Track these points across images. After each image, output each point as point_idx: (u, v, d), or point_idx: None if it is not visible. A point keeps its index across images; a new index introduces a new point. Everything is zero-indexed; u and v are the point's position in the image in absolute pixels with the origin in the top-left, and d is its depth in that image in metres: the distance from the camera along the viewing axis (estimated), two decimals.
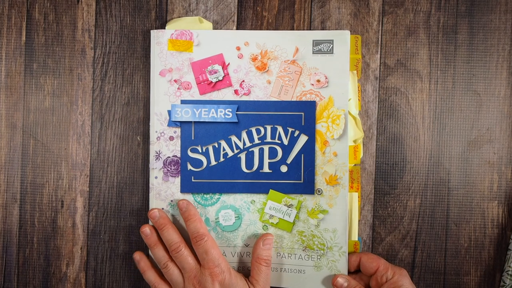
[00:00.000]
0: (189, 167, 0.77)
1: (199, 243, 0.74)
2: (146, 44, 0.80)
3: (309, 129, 0.77)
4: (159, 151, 0.77)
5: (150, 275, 0.77)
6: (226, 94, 0.77)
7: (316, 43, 0.77)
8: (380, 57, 0.80)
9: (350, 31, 0.79)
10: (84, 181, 0.81)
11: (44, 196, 0.81)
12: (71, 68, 0.80)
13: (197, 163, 0.77)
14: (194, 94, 0.77)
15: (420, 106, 0.80)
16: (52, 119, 0.80)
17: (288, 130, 0.77)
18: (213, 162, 0.77)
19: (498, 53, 0.79)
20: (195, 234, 0.74)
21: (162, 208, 0.78)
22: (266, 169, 0.77)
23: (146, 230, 0.76)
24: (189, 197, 0.78)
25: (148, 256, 0.79)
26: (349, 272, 0.78)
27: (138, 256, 0.78)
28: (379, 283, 0.75)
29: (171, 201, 0.78)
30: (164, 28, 0.79)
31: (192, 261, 0.75)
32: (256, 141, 0.77)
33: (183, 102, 0.77)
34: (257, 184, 0.77)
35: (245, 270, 0.79)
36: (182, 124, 0.77)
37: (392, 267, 0.75)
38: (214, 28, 0.79)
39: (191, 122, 0.77)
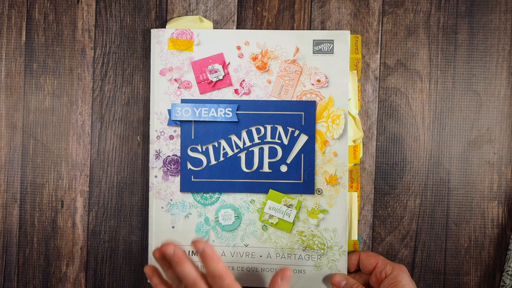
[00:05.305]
0: (189, 166, 0.77)
1: (218, 284, 0.68)
2: (146, 44, 0.80)
3: (309, 128, 0.77)
4: (159, 150, 0.77)
5: None
6: (226, 93, 0.77)
7: (316, 43, 0.77)
8: (380, 57, 0.80)
9: (350, 31, 0.79)
10: (84, 181, 0.81)
11: (44, 196, 0.81)
12: (71, 68, 0.80)
13: (197, 162, 0.77)
14: (194, 93, 0.77)
15: (420, 106, 0.80)
16: (52, 119, 0.80)
17: (288, 129, 0.77)
18: (213, 162, 0.77)
19: (498, 53, 0.79)
20: (214, 273, 0.68)
21: (162, 207, 0.78)
22: (266, 168, 0.77)
23: (148, 272, 0.72)
24: (188, 196, 0.78)
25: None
26: (349, 272, 0.78)
27: (149, 271, 0.73)
28: (378, 279, 0.74)
29: (171, 200, 0.78)
30: (164, 28, 0.79)
31: None
32: (256, 140, 0.77)
33: (183, 101, 0.77)
34: (256, 183, 0.77)
35: (244, 271, 0.78)
36: (182, 123, 0.77)
37: (390, 263, 0.75)
38: (214, 28, 0.79)
39: (191, 121, 0.77)
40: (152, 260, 0.78)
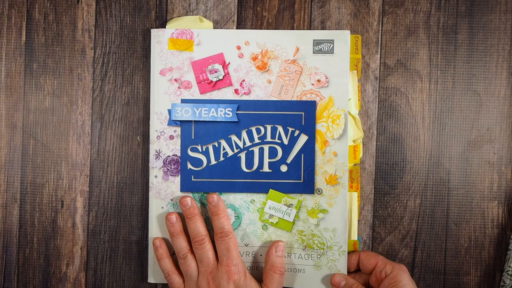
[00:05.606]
0: (189, 166, 0.77)
1: (223, 239, 0.74)
2: (146, 44, 0.80)
3: (309, 128, 0.77)
4: (159, 150, 0.77)
5: (166, 263, 0.77)
6: (226, 93, 0.77)
7: (316, 42, 0.77)
8: (380, 57, 0.80)
9: (350, 31, 0.79)
10: (84, 181, 0.81)
11: (44, 196, 0.81)
12: (71, 68, 0.80)
13: (197, 162, 0.77)
14: (195, 93, 0.77)
15: (420, 106, 0.80)
16: (52, 119, 0.80)
17: (288, 129, 0.77)
18: (213, 162, 0.77)
19: (498, 53, 0.79)
20: (220, 230, 0.75)
21: (162, 207, 0.78)
22: (266, 168, 0.77)
23: (173, 218, 0.76)
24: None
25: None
26: (349, 272, 0.78)
27: (158, 242, 0.77)
28: (378, 278, 0.74)
29: (171, 200, 0.78)
30: (164, 28, 0.79)
31: (212, 257, 0.75)
32: (256, 140, 0.77)
33: (183, 101, 0.77)
34: (257, 183, 0.77)
35: None
36: (182, 123, 0.77)
37: (390, 262, 0.75)
38: (214, 28, 0.79)
39: (191, 121, 0.77)
40: (152, 258, 0.78)
